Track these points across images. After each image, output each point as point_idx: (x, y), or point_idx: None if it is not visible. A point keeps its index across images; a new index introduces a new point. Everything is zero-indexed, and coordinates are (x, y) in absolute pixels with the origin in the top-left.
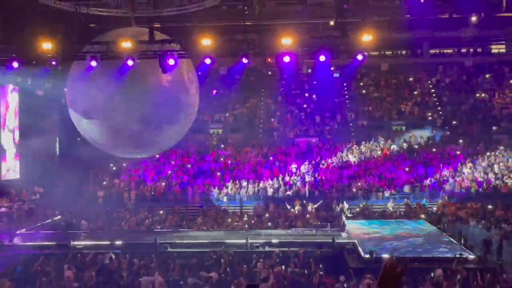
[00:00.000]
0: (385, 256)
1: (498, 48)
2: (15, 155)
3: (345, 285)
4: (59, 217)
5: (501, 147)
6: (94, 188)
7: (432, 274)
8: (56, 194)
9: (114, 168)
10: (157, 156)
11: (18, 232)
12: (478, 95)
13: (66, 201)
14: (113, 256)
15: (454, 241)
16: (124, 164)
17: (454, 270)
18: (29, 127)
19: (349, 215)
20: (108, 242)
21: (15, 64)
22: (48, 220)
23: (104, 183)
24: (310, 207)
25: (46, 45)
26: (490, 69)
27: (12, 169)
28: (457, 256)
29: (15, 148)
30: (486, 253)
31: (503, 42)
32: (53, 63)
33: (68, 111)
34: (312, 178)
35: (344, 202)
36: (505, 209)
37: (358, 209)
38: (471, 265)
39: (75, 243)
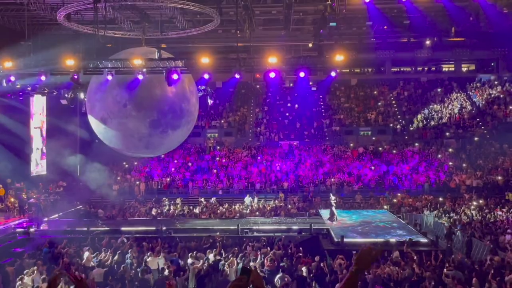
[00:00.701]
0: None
1: (448, 67)
2: (42, 154)
3: (320, 264)
4: (79, 207)
5: (450, 149)
6: (110, 182)
7: (392, 255)
8: (78, 188)
9: (126, 165)
10: (162, 156)
11: (45, 219)
12: (431, 106)
13: (86, 193)
14: (125, 240)
15: (411, 227)
16: (135, 162)
17: (405, 252)
18: (55, 131)
19: (334, 204)
20: (121, 228)
21: (43, 78)
22: (71, 209)
23: (118, 178)
24: (291, 202)
25: (69, 61)
26: (441, 84)
27: (40, 166)
28: (407, 240)
29: (42, 148)
30: (451, 242)
31: (452, 62)
32: (75, 76)
33: (88, 118)
34: (293, 174)
35: (331, 194)
36: (453, 201)
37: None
38: (425, 247)
39: (93, 228)
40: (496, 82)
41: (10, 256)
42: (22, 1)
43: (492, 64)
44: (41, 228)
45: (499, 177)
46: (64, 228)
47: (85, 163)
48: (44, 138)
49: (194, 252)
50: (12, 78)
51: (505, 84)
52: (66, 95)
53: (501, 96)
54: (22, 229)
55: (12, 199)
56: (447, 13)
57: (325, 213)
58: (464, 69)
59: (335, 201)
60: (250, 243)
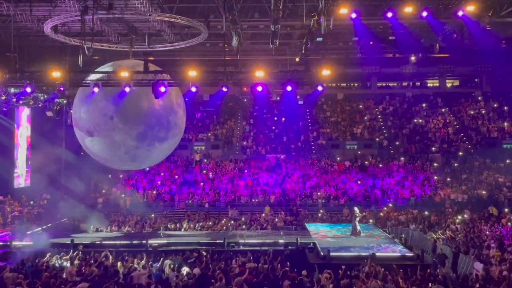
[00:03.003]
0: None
1: (432, 82)
2: (27, 167)
3: (306, 278)
4: (63, 220)
5: (435, 164)
6: (95, 195)
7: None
8: (62, 200)
9: (112, 178)
10: (147, 168)
11: (28, 232)
12: (416, 121)
13: (70, 206)
14: (109, 254)
15: (397, 241)
16: (121, 175)
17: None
18: (40, 143)
19: (358, 217)
20: (106, 242)
21: (29, 89)
22: (54, 223)
23: (103, 191)
24: (278, 216)
25: (56, 74)
26: (426, 99)
27: (24, 178)
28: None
29: (27, 160)
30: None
31: (437, 77)
32: (61, 89)
33: (74, 130)
34: (280, 188)
35: (355, 208)
36: (438, 215)
37: (319, 214)
38: (411, 261)
39: (77, 242)
40: (479, 98)
41: None
42: (8, 12)
43: (476, 80)
44: (24, 241)
45: (483, 192)
46: (47, 241)
47: (70, 176)
48: (29, 150)
49: (180, 266)
50: None
51: (488, 100)
52: (52, 107)
53: (484, 112)
54: (4, 243)
55: None
56: (431, 30)
57: (311, 227)
58: (449, 85)
59: (359, 214)
60: (236, 257)
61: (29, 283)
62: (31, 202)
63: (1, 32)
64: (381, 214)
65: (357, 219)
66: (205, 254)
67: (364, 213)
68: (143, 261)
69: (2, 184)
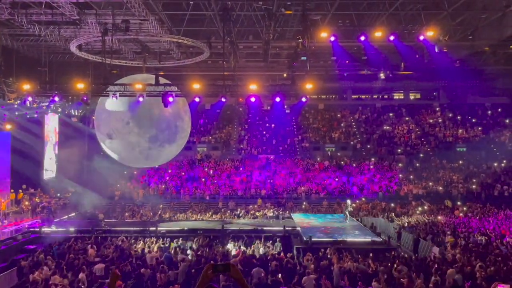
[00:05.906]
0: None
1: (398, 95)
2: (54, 163)
3: (291, 260)
4: (85, 210)
5: (400, 164)
6: (112, 189)
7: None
8: (84, 193)
9: (127, 174)
10: (157, 166)
11: (55, 220)
12: (384, 127)
13: (91, 198)
14: (124, 238)
15: (368, 229)
16: (135, 172)
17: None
18: (65, 145)
19: (351, 209)
20: (121, 228)
21: (56, 98)
22: (78, 212)
23: (118, 185)
24: (267, 209)
25: (80, 85)
26: (393, 109)
27: (51, 174)
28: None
29: (54, 158)
30: (400, 242)
31: (402, 91)
32: (85, 98)
33: (95, 133)
34: (270, 183)
35: (347, 200)
36: (402, 206)
37: (303, 206)
38: (379, 246)
39: (97, 228)
40: (437, 109)
41: (24, 252)
42: (40, 33)
43: (435, 93)
44: (52, 228)
45: (440, 187)
46: (71, 228)
47: (91, 172)
48: (57, 150)
49: (185, 249)
50: (30, 99)
51: (444, 110)
52: (76, 114)
53: (441, 120)
54: (35, 229)
55: (27, 202)
56: (397, 51)
57: (296, 216)
58: (412, 97)
59: (351, 204)
60: (232, 242)
61: (56, 263)
62: (58, 195)
63: (34, 49)
64: (354, 205)
65: (348, 209)
66: (206, 238)
67: (353, 204)
68: (153, 244)
69: (32, 179)
